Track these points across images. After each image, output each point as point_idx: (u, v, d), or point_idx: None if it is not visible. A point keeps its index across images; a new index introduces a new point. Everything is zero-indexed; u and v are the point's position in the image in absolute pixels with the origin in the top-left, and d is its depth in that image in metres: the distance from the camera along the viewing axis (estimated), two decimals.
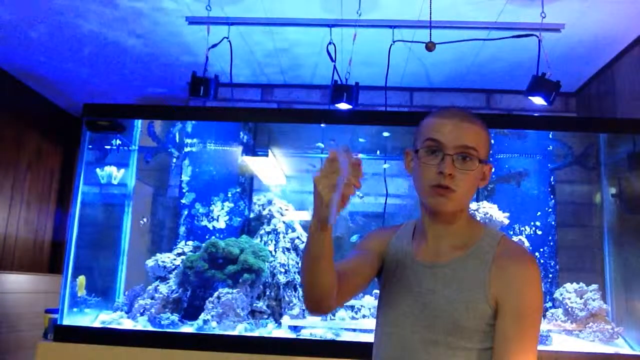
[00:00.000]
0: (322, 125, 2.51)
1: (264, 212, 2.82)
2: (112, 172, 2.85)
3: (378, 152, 3.05)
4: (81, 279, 2.50)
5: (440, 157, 1.14)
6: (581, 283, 2.50)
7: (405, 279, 1.21)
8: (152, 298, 2.52)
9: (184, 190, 2.86)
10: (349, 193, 0.98)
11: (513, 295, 1.09)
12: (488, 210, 2.54)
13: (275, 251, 2.68)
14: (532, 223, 2.68)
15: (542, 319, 2.45)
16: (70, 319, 2.35)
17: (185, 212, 2.82)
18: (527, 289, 1.09)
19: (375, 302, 2.52)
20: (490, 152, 1.22)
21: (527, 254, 1.16)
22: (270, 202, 2.85)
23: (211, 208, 2.80)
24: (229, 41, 2.73)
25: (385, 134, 2.82)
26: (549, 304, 2.58)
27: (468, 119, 1.18)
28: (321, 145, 2.97)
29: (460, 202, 1.16)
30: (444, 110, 1.21)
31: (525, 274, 1.10)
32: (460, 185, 1.13)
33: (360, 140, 2.93)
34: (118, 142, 2.77)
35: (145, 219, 2.90)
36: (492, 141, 1.22)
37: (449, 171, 1.12)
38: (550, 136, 2.81)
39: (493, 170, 1.23)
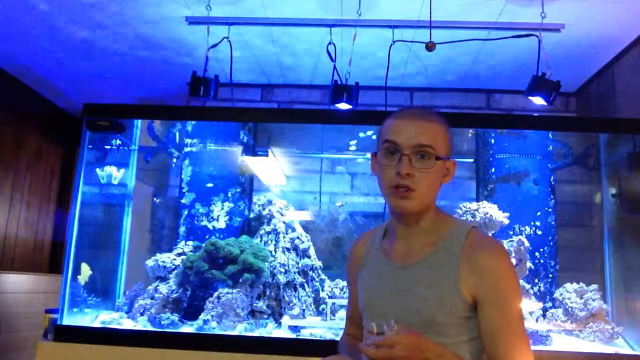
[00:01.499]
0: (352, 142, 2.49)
1: (264, 212, 2.82)
2: (112, 172, 2.85)
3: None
4: (84, 269, 2.52)
5: (398, 158, 1.14)
6: (581, 283, 2.50)
7: (380, 282, 1.23)
8: (152, 298, 2.52)
9: (184, 190, 2.85)
10: None
11: (490, 287, 1.10)
12: (488, 210, 2.54)
13: (275, 251, 2.68)
14: (532, 223, 2.67)
15: (543, 318, 2.45)
16: (70, 319, 2.35)
17: (185, 212, 2.82)
18: (503, 279, 1.10)
19: None
20: (452, 147, 1.22)
21: (496, 244, 1.17)
22: (270, 202, 2.85)
23: (211, 208, 2.79)
24: (229, 41, 2.74)
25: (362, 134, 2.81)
26: (549, 304, 2.58)
27: (424, 117, 1.18)
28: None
29: (422, 200, 1.16)
30: (401, 111, 1.22)
31: (498, 265, 1.11)
32: (420, 184, 1.14)
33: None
34: (118, 142, 2.77)
35: (157, 199, 2.89)
36: (450, 137, 1.21)
37: (405, 171, 1.13)
38: (550, 136, 2.81)
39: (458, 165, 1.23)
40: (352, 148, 3.14)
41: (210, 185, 2.83)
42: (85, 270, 2.52)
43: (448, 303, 1.11)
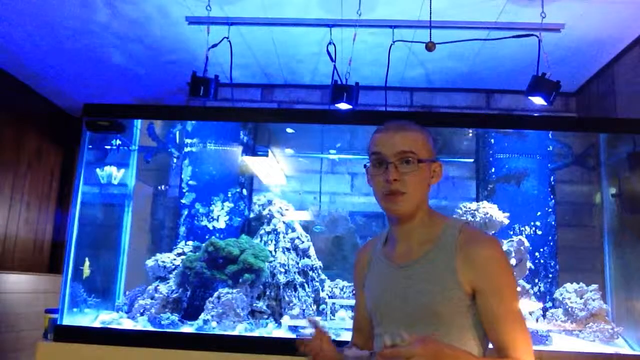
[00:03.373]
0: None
1: (264, 212, 2.82)
2: (112, 172, 2.85)
3: None
4: (85, 265, 2.52)
5: (385, 167, 1.26)
6: (581, 283, 2.50)
7: (385, 284, 1.31)
8: (152, 298, 2.52)
9: (184, 190, 2.85)
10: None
11: (486, 278, 1.19)
12: (488, 210, 2.54)
13: (275, 251, 2.67)
14: (532, 223, 2.67)
15: (543, 318, 2.45)
16: (70, 319, 2.35)
17: (185, 212, 2.82)
18: (497, 269, 1.20)
19: None
20: (434, 152, 1.33)
21: (488, 237, 1.27)
22: (270, 202, 2.85)
23: (211, 208, 2.79)
24: (229, 41, 2.74)
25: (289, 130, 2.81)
26: (549, 304, 2.58)
27: (402, 127, 1.30)
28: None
29: (412, 201, 1.26)
30: (384, 125, 1.33)
31: (491, 256, 1.20)
32: (408, 187, 1.25)
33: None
34: (118, 142, 2.77)
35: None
36: (431, 142, 1.32)
37: (393, 177, 1.24)
38: (550, 136, 2.81)
39: (442, 166, 1.33)
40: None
41: (210, 185, 2.83)
42: (87, 265, 2.52)
43: (450, 295, 1.19)
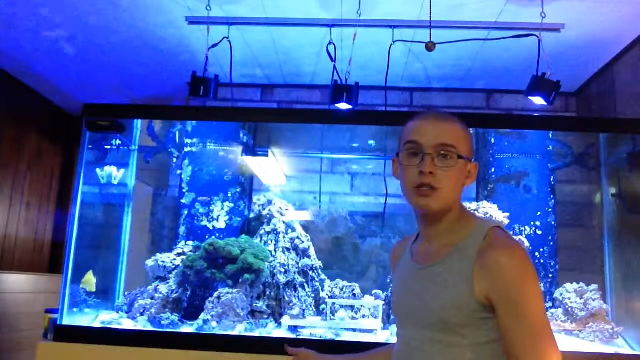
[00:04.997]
0: None
1: (264, 212, 2.82)
2: (112, 172, 2.85)
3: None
4: (89, 277, 2.50)
5: (420, 158, 1.16)
6: (581, 283, 2.50)
7: (405, 283, 1.25)
8: (152, 298, 2.52)
9: (184, 191, 2.85)
10: None
11: (502, 289, 1.06)
12: (488, 210, 2.54)
13: (275, 251, 2.67)
14: (532, 223, 2.67)
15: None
16: (70, 319, 2.35)
17: (185, 212, 2.82)
18: (515, 280, 1.06)
19: (375, 302, 2.53)
20: (473, 150, 1.24)
21: (510, 243, 1.12)
22: (270, 202, 2.85)
23: (211, 208, 2.79)
24: (229, 41, 2.74)
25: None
26: (549, 304, 2.58)
27: (445, 118, 1.21)
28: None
29: (445, 200, 1.17)
30: (422, 113, 1.24)
31: (509, 265, 1.06)
32: (442, 183, 1.15)
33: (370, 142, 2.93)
34: (118, 142, 2.77)
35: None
36: (472, 140, 1.24)
37: (428, 169, 1.14)
38: (550, 136, 2.81)
39: (477, 168, 1.24)
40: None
41: (210, 185, 2.82)
42: (90, 278, 2.51)
43: (462, 304, 1.09)
